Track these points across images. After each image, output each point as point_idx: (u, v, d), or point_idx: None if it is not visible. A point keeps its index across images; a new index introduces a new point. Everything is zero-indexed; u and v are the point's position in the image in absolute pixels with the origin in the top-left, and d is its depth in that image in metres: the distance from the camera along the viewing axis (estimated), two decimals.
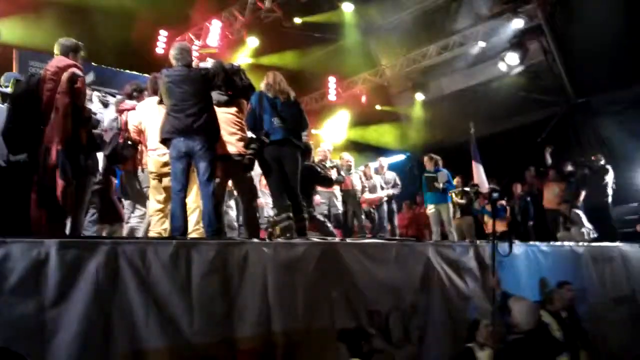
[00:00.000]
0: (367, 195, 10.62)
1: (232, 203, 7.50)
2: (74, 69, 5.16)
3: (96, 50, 10.65)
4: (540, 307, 6.04)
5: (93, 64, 10.95)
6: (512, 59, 13.96)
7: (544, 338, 5.36)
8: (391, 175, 11.27)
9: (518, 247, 7.57)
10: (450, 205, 9.92)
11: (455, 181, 10.85)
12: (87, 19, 12.39)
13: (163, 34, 14.91)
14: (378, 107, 18.11)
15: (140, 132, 6.17)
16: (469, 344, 5.53)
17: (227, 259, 4.51)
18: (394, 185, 11.12)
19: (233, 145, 5.91)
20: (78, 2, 12.37)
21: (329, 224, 8.07)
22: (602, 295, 8.89)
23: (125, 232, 6.56)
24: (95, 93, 7.04)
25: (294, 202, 6.01)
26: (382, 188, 10.89)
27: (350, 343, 4.23)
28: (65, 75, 5.04)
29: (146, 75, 11.30)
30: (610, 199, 11.25)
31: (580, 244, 9.37)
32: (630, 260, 10.05)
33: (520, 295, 5.36)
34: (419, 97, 17.12)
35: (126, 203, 6.79)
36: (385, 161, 11.71)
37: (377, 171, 11.34)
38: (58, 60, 5.22)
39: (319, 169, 7.57)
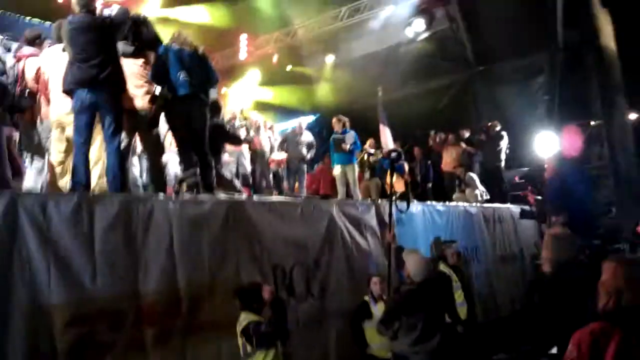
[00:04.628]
0: (275, 156, 10.71)
1: (135, 160, 7.35)
2: None
3: None
4: (435, 261, 6.46)
5: None
6: (419, 25, 14.35)
7: (442, 286, 5.74)
8: (309, 137, 11.38)
9: (416, 207, 8.00)
10: (356, 166, 10.18)
11: (368, 143, 11.13)
12: None
13: None
14: (289, 67, 18.07)
15: (39, 80, 5.88)
16: (365, 298, 5.86)
17: (131, 214, 4.51)
18: (310, 147, 11.25)
19: (139, 98, 5.76)
20: None
21: (236, 182, 8.12)
22: (493, 254, 9.60)
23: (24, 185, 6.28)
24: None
25: (202, 159, 5.96)
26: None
27: (245, 299, 4.37)
28: None
29: (47, 22, 10.70)
30: (503, 164, 12.02)
31: (474, 204, 9.99)
32: (519, 221, 10.88)
33: (414, 248, 5.70)
34: (330, 59, 17.24)
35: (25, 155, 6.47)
36: (304, 122, 11.78)
37: (294, 132, 11.42)
38: None
39: (227, 127, 7.55)
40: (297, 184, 11.21)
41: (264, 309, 4.38)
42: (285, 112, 16.57)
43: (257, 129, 10.35)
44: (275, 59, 17.60)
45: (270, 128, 11.34)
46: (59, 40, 5.73)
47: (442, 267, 6.57)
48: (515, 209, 11.05)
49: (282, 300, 4.64)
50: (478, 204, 10.14)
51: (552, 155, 11.17)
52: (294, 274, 5.73)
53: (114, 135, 5.19)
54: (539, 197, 11.34)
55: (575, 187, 9.27)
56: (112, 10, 5.74)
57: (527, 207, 11.28)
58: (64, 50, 5.39)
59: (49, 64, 5.78)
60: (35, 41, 6.22)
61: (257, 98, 17.52)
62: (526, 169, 13.24)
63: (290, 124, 12.33)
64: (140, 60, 5.90)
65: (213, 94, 6.65)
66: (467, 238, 8.84)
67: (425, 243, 7.47)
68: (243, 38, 17.23)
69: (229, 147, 8.38)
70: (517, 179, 13.00)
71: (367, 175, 11.07)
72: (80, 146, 5.07)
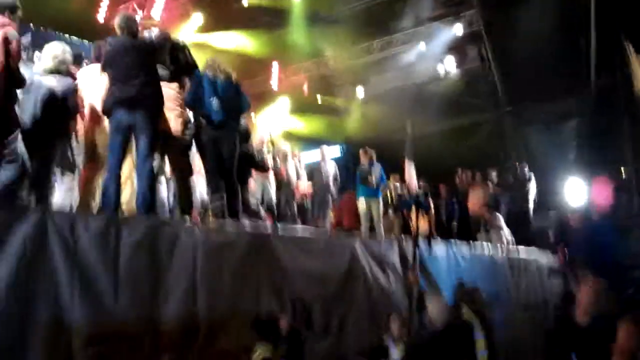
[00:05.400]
0: (301, 186, 10.73)
1: (162, 179, 7.41)
2: (9, 29, 4.94)
3: (36, 10, 10.17)
4: (458, 306, 6.30)
5: (31, 25, 10.44)
6: (450, 62, 14.40)
7: (463, 334, 5.59)
8: (333, 167, 11.38)
9: (440, 248, 7.89)
10: (381, 201, 10.13)
11: (393, 178, 11.08)
12: None
13: (105, 1, 14.36)
14: (319, 97, 18.20)
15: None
16: (384, 338, 5.74)
17: (157, 238, 4.52)
18: (335, 178, 11.24)
19: (173, 122, 5.84)
20: None
21: (260, 209, 8.13)
22: (517, 302, 9.39)
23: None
24: (37, 53, 6.72)
25: (229, 184, 6.01)
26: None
27: (262, 330, 4.32)
28: None
29: (85, 41, 10.94)
30: (531, 206, 11.83)
31: (499, 250, 9.83)
32: (544, 270, 10.66)
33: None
34: (360, 91, 17.35)
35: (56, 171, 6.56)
36: (327, 150, 11.80)
37: (319, 161, 11.44)
38: None
39: (255, 154, 7.60)
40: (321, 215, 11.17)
41: (281, 342, 4.34)
42: (313, 141, 16.59)
43: (284, 157, 10.38)
44: (305, 88, 17.75)
45: (296, 156, 11.36)
46: (97, 60, 5.85)
47: (465, 312, 6.41)
48: (541, 258, 10.82)
49: (299, 334, 4.59)
50: (504, 249, 9.97)
51: (579, 206, 10.95)
52: (313, 308, 5.67)
53: (147, 157, 5.18)
54: (567, 255, 11.06)
55: (604, 238, 9.07)
56: (153, 33, 5.87)
57: (554, 264, 10.98)
58: (102, 70, 5.49)
59: (85, 82, 5.91)
60: (75, 60, 6.36)
61: (286, 126, 17.61)
62: (554, 212, 12.95)
63: (316, 153, 12.31)
64: (175, 85, 5.99)
65: (243, 121, 6.72)
66: (490, 283, 8.68)
67: (448, 286, 7.34)
68: (275, 66, 17.42)
69: (255, 173, 8.42)
70: (550, 236, 12.60)
71: (390, 211, 11.01)
72: (112, 166, 5.10)
